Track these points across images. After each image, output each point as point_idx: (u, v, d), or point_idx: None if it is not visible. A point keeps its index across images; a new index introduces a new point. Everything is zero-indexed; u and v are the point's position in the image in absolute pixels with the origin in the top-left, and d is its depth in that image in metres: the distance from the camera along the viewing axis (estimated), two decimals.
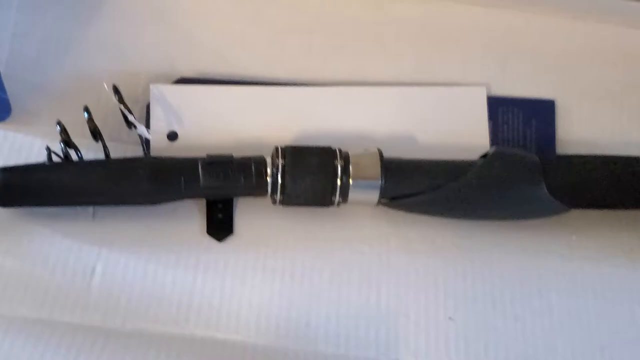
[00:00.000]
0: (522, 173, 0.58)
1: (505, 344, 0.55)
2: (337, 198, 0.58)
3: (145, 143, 0.60)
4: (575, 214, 0.60)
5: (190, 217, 0.59)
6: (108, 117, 0.61)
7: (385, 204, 0.59)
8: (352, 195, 0.58)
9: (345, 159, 0.58)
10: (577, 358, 0.55)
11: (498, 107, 0.65)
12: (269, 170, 0.57)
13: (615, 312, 0.57)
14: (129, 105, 0.60)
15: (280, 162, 0.57)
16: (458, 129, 0.64)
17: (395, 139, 0.63)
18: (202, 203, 0.59)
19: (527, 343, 0.55)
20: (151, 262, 0.57)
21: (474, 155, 0.59)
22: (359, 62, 0.66)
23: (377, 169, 0.58)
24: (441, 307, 0.57)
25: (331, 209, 0.59)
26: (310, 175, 0.57)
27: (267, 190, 0.58)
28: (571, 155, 0.61)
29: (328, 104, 0.64)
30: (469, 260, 0.59)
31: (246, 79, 0.64)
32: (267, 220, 0.60)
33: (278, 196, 0.57)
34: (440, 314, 0.56)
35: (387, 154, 0.59)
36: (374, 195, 0.58)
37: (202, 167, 0.56)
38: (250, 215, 0.60)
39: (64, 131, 0.56)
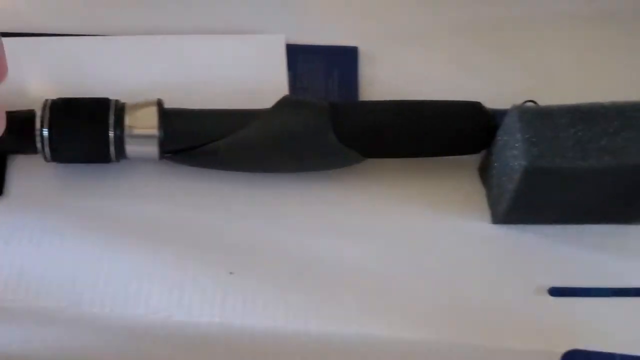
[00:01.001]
0: (309, 120, 0.55)
1: (286, 298, 0.52)
2: (112, 152, 0.54)
3: None
4: (376, 163, 0.57)
5: None
6: None
7: (169, 159, 0.56)
8: (130, 149, 0.54)
9: (121, 110, 0.54)
10: (364, 308, 0.52)
11: (298, 55, 0.61)
12: (37, 124, 0.53)
13: (411, 261, 0.54)
14: None
15: (48, 115, 0.53)
16: (255, 79, 0.61)
17: (187, 90, 0.59)
18: None
19: (308, 294, 0.52)
20: None
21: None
22: (153, 12, 0.63)
23: (154, 120, 0.54)
24: (223, 263, 0.53)
25: (112, 165, 0.56)
26: (81, 129, 0.54)
27: (36, 147, 0.54)
28: (363, 102, 0.58)
29: (114, 54, 0.61)
30: (258, 213, 0.56)
31: (30, 31, 0.61)
32: (42, 179, 0.56)
33: (48, 152, 0.54)
34: (222, 269, 0.53)
35: (176, 106, 0.55)
36: (154, 149, 0.55)
37: None
38: (24, 174, 0.56)
39: None
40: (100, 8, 0.62)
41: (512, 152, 0.51)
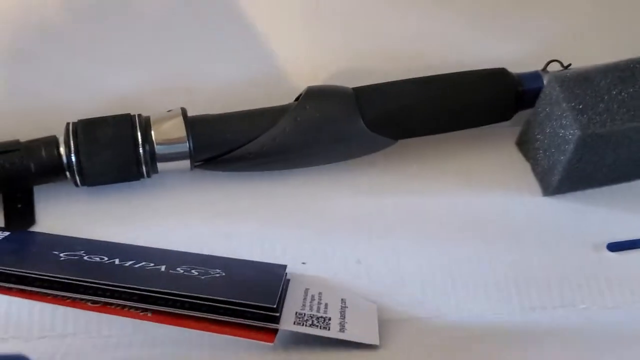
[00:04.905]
0: (336, 110, 0.54)
1: (347, 290, 0.51)
2: (144, 169, 0.53)
3: None
4: (408, 144, 0.56)
5: None
6: None
7: (201, 167, 0.54)
8: (161, 163, 0.53)
9: (146, 124, 0.53)
10: (427, 292, 0.51)
11: None
12: (62, 151, 0.51)
13: (460, 240, 0.53)
14: None
15: (72, 140, 0.51)
16: None
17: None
18: None
19: (371, 286, 0.51)
20: None
21: None
22: None
23: (182, 131, 0.53)
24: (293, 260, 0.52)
25: (143, 181, 0.54)
26: (107, 150, 0.52)
27: (65, 174, 0.52)
28: (387, 83, 0.57)
29: None
30: (304, 209, 0.55)
31: None
32: (74, 204, 0.54)
33: (77, 177, 0.52)
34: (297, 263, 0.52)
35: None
36: (185, 160, 0.53)
37: None
38: (54, 201, 0.54)
39: None
40: None
41: (559, 122, 0.51)
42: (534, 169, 0.56)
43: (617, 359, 0.45)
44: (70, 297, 0.45)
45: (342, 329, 0.47)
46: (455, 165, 0.57)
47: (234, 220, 0.54)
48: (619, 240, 0.53)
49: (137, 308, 0.45)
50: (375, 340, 0.47)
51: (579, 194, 0.55)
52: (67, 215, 0.54)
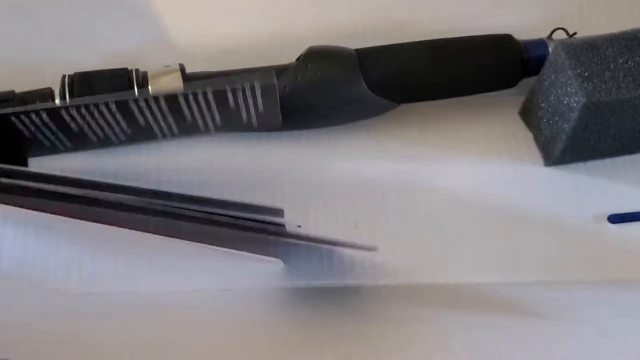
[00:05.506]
0: (338, 70, 0.53)
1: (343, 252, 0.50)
2: None
3: None
4: (410, 109, 0.55)
5: None
6: None
7: None
8: None
9: (143, 79, 0.52)
10: (424, 259, 0.50)
11: None
12: (57, 103, 0.51)
13: (459, 208, 0.53)
14: None
15: (67, 92, 0.51)
16: None
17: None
18: None
19: (365, 250, 0.50)
20: None
21: None
22: None
23: (179, 88, 0.52)
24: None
25: None
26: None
27: None
28: (390, 46, 0.56)
29: None
30: (301, 172, 0.54)
31: None
32: (67, 158, 0.53)
33: None
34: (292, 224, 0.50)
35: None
36: None
37: None
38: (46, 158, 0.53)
39: None
40: None
41: (564, 90, 0.50)
42: (536, 139, 0.55)
43: (615, 331, 0.45)
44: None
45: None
46: (457, 133, 0.56)
47: (230, 180, 0.53)
48: (620, 212, 0.52)
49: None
50: (373, 247, 0.47)
51: (580, 165, 0.55)
52: (60, 169, 0.52)
